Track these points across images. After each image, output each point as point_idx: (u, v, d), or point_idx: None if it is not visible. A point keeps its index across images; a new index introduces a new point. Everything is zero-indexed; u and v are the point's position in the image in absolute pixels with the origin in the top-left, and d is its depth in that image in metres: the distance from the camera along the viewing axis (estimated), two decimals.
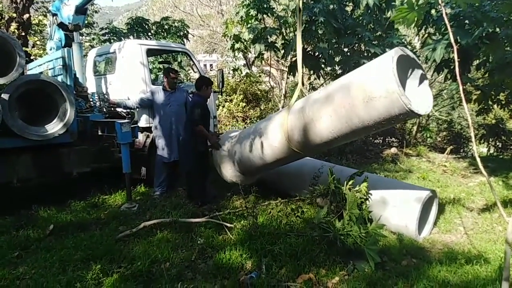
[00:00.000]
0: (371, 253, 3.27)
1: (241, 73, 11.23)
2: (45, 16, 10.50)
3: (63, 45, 5.82)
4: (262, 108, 10.57)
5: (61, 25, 5.83)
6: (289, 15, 7.50)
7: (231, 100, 10.34)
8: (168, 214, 4.47)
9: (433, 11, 6.26)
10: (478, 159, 2.44)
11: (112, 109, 5.66)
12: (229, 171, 4.82)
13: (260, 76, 11.86)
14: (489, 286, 2.81)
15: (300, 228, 3.90)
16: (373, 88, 3.18)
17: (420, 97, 3.40)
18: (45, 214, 4.53)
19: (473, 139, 2.95)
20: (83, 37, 11.29)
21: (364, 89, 3.26)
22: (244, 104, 10.14)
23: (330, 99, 3.57)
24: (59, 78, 5.04)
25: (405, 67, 3.41)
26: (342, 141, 3.90)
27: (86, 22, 7.33)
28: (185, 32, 10.68)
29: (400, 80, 3.12)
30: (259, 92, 10.70)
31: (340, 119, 3.47)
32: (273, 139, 4.13)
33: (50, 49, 6.13)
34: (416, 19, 2.66)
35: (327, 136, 3.66)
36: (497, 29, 5.49)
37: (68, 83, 5.01)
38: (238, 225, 4.00)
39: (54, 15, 6.02)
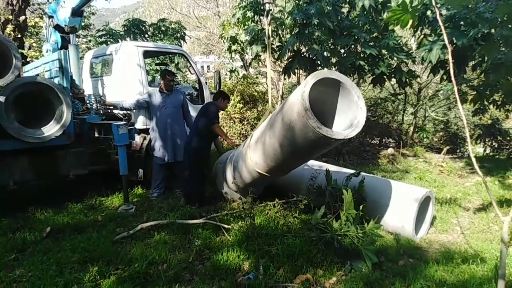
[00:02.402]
0: (368, 254, 3.29)
1: (238, 74, 11.24)
2: (41, 18, 10.50)
3: (59, 47, 5.83)
4: (260, 110, 10.58)
5: (58, 27, 5.83)
6: (286, 16, 7.51)
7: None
8: (166, 215, 4.48)
9: (428, 12, 6.29)
10: (473, 159, 2.47)
11: (109, 110, 5.65)
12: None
13: (257, 77, 11.87)
14: (485, 285, 2.83)
15: (297, 229, 3.90)
16: (292, 112, 3.27)
17: (351, 120, 3.38)
18: (42, 216, 4.52)
19: (468, 139, 2.98)
20: (80, 39, 11.28)
21: (288, 112, 3.35)
22: (241, 105, 10.14)
23: (271, 123, 3.78)
24: (56, 80, 5.03)
25: (335, 90, 3.43)
26: (290, 164, 4.07)
27: (82, 24, 7.32)
28: (182, 33, 10.69)
29: (326, 103, 3.39)
30: (256, 94, 10.71)
31: (277, 142, 3.64)
32: (246, 161, 4.32)
33: (47, 51, 6.12)
34: (410, 20, 2.68)
35: (273, 157, 3.85)
36: (492, 30, 5.52)
37: (65, 85, 5.00)
38: (236, 226, 4.00)
39: (50, 17, 6.01)
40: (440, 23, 2.60)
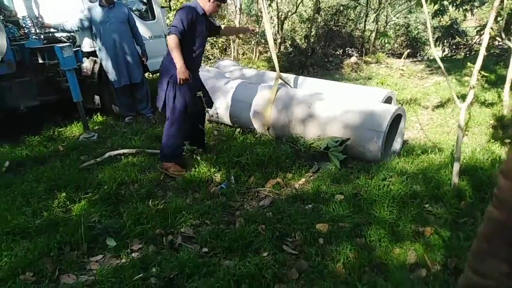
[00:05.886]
0: (334, 154, 3.40)
1: None
2: None
3: None
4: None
5: None
6: None
7: None
8: (130, 140, 4.35)
9: None
10: (438, 59, 2.49)
11: (50, 34, 5.09)
12: None
13: None
14: (442, 170, 3.03)
15: (266, 140, 3.94)
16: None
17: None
18: None
19: (431, 40, 2.97)
20: None
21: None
22: None
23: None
24: None
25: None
26: None
27: None
28: None
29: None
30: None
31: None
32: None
33: None
34: None
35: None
36: None
37: None
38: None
39: None
40: None
